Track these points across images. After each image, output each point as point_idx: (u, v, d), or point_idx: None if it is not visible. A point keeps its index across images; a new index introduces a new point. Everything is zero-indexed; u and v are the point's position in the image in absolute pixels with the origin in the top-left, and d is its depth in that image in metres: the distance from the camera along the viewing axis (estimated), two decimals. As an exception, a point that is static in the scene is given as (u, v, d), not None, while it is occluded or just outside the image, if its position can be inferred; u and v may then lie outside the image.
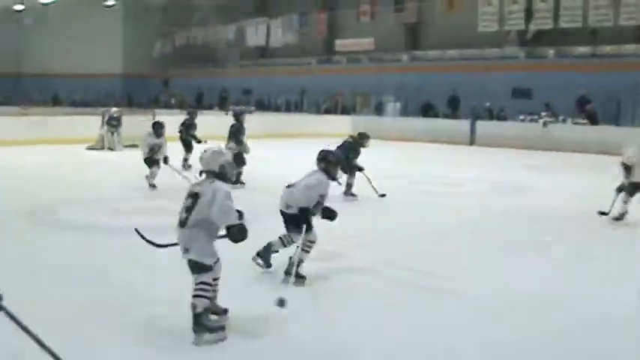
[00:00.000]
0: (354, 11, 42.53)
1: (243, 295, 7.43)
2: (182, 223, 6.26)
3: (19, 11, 51.90)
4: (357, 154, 14.58)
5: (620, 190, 12.40)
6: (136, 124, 26.09)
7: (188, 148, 19.72)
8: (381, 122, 35.51)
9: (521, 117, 31.33)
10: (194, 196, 6.28)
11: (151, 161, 15.38)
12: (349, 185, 14.46)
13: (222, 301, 6.63)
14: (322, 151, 8.50)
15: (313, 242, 7.95)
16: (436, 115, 34.89)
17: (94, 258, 9.13)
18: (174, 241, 6.37)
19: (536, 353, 6.29)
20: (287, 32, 46.85)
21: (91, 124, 26.34)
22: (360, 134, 15.17)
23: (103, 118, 26.04)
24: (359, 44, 42.92)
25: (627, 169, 12.38)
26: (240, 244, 6.29)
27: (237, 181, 15.17)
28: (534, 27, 34.37)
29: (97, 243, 10.17)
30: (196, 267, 6.19)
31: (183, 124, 20.22)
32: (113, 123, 25.53)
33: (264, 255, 8.14)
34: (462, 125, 32.16)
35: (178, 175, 14.44)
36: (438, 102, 35.50)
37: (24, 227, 11.22)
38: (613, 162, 13.13)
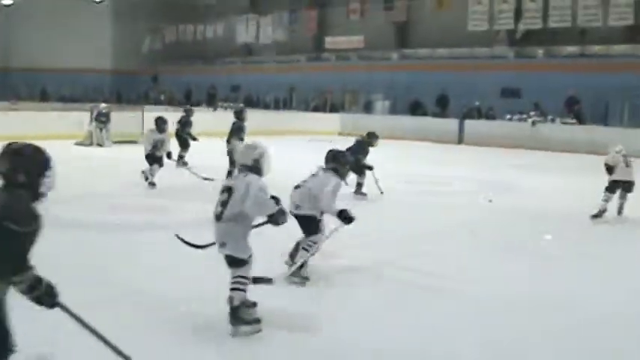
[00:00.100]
0: (344, 9, 42.50)
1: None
2: (217, 217, 6.33)
3: (8, 5, 51.72)
4: (365, 153, 14.51)
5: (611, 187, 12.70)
6: (125, 120, 26.09)
7: (184, 145, 19.45)
8: (369, 120, 35.35)
9: (508, 116, 31.44)
10: (228, 191, 6.35)
11: (152, 158, 15.11)
12: (359, 185, 14.41)
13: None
14: (331, 150, 8.45)
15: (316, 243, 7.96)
16: (425, 114, 34.92)
17: (92, 257, 9.01)
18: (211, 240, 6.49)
19: (536, 353, 6.29)
20: (277, 29, 46.78)
21: (79, 119, 26.16)
22: (368, 134, 15.09)
23: (92, 113, 25.86)
24: (348, 42, 42.87)
25: (609, 169, 12.72)
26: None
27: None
28: (524, 27, 34.44)
29: (92, 241, 10.10)
30: (233, 261, 6.28)
31: (179, 122, 20.09)
32: (102, 119, 25.38)
33: (298, 274, 7.87)
34: (451, 124, 32.19)
35: (180, 171, 14.36)
36: (426, 101, 35.56)
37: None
38: (601, 162, 13.22)
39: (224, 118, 25.13)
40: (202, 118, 24.74)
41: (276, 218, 6.37)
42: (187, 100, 45.78)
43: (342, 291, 7.82)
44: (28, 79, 50.36)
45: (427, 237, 11.04)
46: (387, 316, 7.00)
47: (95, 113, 25.71)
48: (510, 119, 31.19)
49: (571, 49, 33.01)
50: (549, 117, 30.07)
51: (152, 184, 15.00)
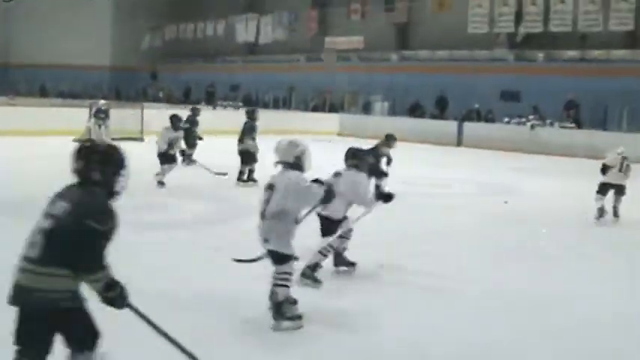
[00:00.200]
0: (345, 9, 42.34)
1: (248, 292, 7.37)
2: (262, 215, 6.52)
3: (8, 1, 51.59)
4: (378, 157, 14.41)
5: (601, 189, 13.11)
6: (124, 117, 26.04)
7: (191, 144, 19.39)
8: (368, 121, 35.47)
9: (506, 119, 31.42)
10: (270, 188, 6.55)
11: (166, 157, 14.99)
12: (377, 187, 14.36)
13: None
14: (351, 148, 8.61)
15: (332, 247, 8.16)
16: (424, 116, 34.89)
17: None
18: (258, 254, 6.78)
19: (535, 353, 6.35)
20: (277, 29, 46.64)
21: (78, 116, 26.05)
22: (386, 136, 15.06)
23: (91, 110, 25.77)
24: (348, 42, 42.69)
25: (604, 168, 13.05)
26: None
27: (250, 179, 15.55)
28: (524, 30, 34.37)
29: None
30: (277, 257, 6.43)
31: (187, 121, 20.10)
32: (101, 116, 25.24)
33: (311, 275, 7.91)
34: (450, 126, 32.20)
35: (184, 170, 14.32)
36: (426, 102, 35.54)
37: (11, 222, 10.98)
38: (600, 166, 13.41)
39: (223, 117, 25.17)
40: (202, 116, 24.70)
41: (326, 200, 6.69)
42: (186, 98, 45.88)
43: (341, 290, 7.82)
44: (28, 74, 50.23)
45: (427, 238, 11.09)
46: (387, 316, 6.99)
47: (94, 110, 25.61)
48: (508, 122, 31.20)
49: (571, 53, 32.95)
50: (548, 121, 30.03)
51: (161, 184, 14.89)
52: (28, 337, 4.16)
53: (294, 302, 6.59)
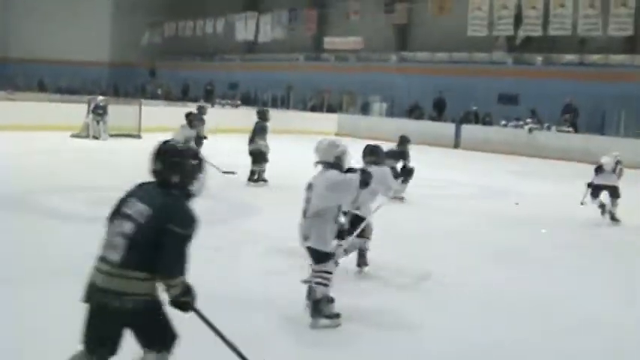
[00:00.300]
0: (344, 10, 42.32)
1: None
2: (304, 213, 6.69)
3: (7, -5, 51.69)
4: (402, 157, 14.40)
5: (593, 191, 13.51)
6: (122, 113, 26.02)
7: (198, 142, 19.48)
8: (366, 122, 35.50)
9: (504, 122, 31.47)
10: (310, 188, 6.70)
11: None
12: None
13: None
14: (369, 145, 8.76)
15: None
16: (422, 117, 34.90)
17: (92, 248, 9.00)
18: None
19: (536, 353, 6.41)
20: (276, 28, 46.61)
21: (76, 111, 26.03)
22: (401, 137, 15.16)
23: (89, 106, 25.78)
24: (347, 43, 42.70)
25: (598, 168, 13.52)
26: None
27: (260, 178, 15.64)
28: (523, 33, 34.36)
29: (91, 232, 9.99)
30: (316, 255, 6.53)
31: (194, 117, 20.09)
32: (99, 111, 25.28)
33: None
34: (448, 128, 32.23)
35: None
36: (424, 104, 35.51)
37: (10, 216, 11.01)
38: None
39: (222, 115, 25.11)
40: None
41: (364, 183, 6.56)
42: (184, 96, 45.83)
43: (341, 291, 7.79)
44: (26, 69, 50.02)
45: (426, 239, 11.12)
46: (387, 317, 7.02)
47: (92, 105, 25.63)
48: (505, 125, 31.25)
49: (570, 57, 33.01)
50: (546, 124, 30.06)
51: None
52: (97, 336, 4.20)
53: (332, 301, 6.65)
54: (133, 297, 4.09)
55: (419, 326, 6.85)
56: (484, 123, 32.50)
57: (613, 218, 13.47)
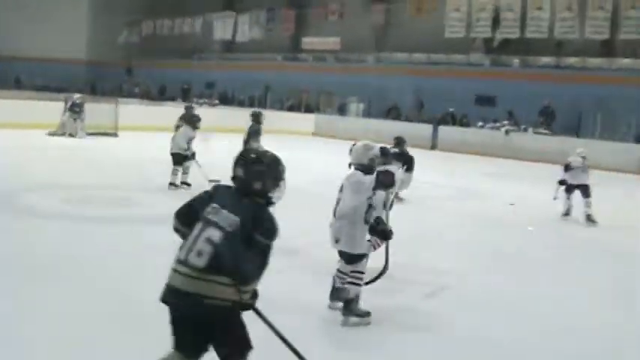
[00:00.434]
0: (323, 10, 42.33)
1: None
2: (334, 214, 6.83)
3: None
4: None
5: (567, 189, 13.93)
6: (99, 111, 25.81)
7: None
8: (344, 122, 35.45)
9: (480, 124, 31.49)
10: (341, 190, 6.86)
11: (184, 156, 14.63)
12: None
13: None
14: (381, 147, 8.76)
15: None
16: (399, 118, 34.87)
17: (67, 246, 8.97)
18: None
19: (535, 353, 6.43)
20: (254, 27, 46.51)
21: (53, 109, 25.68)
22: (396, 139, 15.24)
23: (66, 104, 25.43)
24: (325, 43, 42.68)
25: (566, 166, 13.89)
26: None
27: None
28: (500, 35, 34.45)
29: (67, 230, 10.01)
30: (348, 256, 6.67)
31: (181, 119, 20.04)
32: (76, 109, 25.00)
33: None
34: (425, 129, 32.14)
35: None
36: (401, 105, 35.52)
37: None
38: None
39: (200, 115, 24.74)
40: (176, 113, 24.52)
41: (387, 182, 6.66)
42: (162, 95, 45.67)
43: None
44: (3, 67, 49.51)
45: (421, 240, 10.97)
46: (383, 318, 6.90)
47: (69, 103, 25.34)
48: (482, 127, 31.27)
49: (546, 59, 33.04)
50: (522, 126, 30.11)
51: (176, 185, 14.54)
52: (183, 339, 4.26)
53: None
54: (214, 300, 4.13)
55: (417, 327, 6.87)
56: (461, 124, 32.46)
57: (589, 219, 13.52)
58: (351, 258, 6.63)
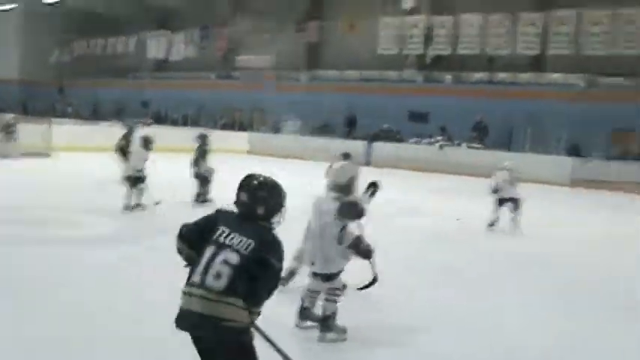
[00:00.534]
0: (256, 28, 41.97)
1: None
2: (306, 237, 7.12)
3: None
4: None
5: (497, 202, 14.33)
6: (31, 132, 25.18)
7: (125, 159, 19.07)
8: (278, 140, 35.15)
9: (413, 139, 31.38)
10: (314, 210, 6.93)
11: (140, 178, 14.43)
12: None
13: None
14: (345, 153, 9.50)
15: None
16: (333, 135, 34.63)
17: (17, 270, 8.79)
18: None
19: None
20: (188, 46, 45.97)
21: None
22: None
23: (-2, 124, 24.84)
24: (259, 61, 42.48)
25: (495, 190, 14.34)
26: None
27: (206, 199, 15.61)
28: (433, 52, 34.39)
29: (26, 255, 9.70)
30: (324, 276, 6.69)
31: (124, 137, 19.68)
32: (8, 130, 24.42)
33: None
34: (359, 146, 31.88)
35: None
36: (335, 122, 35.22)
37: None
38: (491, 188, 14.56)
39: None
40: (110, 133, 24.00)
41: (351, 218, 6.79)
42: (95, 115, 44.90)
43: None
44: None
45: (353, 259, 10.57)
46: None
47: (1, 124, 24.67)
48: (416, 142, 31.15)
49: (479, 75, 33.17)
50: (456, 141, 30.07)
51: (132, 207, 14.29)
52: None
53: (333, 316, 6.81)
54: (230, 322, 4.19)
55: (367, 342, 6.86)
56: (395, 140, 32.29)
57: (516, 226, 14.07)
58: (327, 277, 6.66)
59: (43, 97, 50.72)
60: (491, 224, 14.28)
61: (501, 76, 32.39)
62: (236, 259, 4.22)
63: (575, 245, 13.49)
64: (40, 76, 53.26)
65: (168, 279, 6.46)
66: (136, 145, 15.45)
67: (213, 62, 44.77)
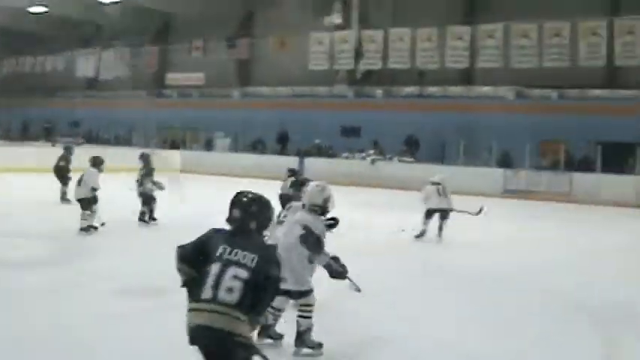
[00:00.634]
0: (187, 46, 41.54)
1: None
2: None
3: None
4: None
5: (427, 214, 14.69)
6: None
7: (65, 181, 18.91)
8: (210, 158, 34.74)
9: (345, 154, 31.22)
10: (283, 226, 7.35)
11: (95, 199, 14.18)
12: None
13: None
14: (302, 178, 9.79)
15: None
16: (265, 151, 34.32)
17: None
18: None
19: None
20: (118, 64, 45.15)
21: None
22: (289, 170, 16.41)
23: None
24: (190, 79, 42.06)
25: (425, 199, 14.82)
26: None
27: (151, 217, 15.84)
28: (363, 67, 34.28)
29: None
30: (296, 294, 6.79)
31: (62, 158, 19.73)
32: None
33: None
34: (291, 161, 31.55)
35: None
36: (267, 138, 34.88)
37: None
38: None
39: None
40: (40, 153, 23.41)
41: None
42: (24, 134, 43.93)
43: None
44: None
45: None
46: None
47: None
48: (348, 157, 30.99)
49: (409, 89, 33.13)
50: (388, 155, 29.94)
51: (95, 228, 14.11)
52: None
53: (280, 337, 7.03)
54: (239, 338, 4.40)
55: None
56: (327, 155, 32.06)
57: (439, 234, 14.59)
58: (299, 294, 6.76)
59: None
60: (420, 235, 14.56)
61: (432, 89, 32.44)
62: (245, 274, 4.42)
63: (505, 254, 13.74)
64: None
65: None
66: (87, 167, 14.91)
67: (144, 80, 44.13)
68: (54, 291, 8.97)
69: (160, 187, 15.68)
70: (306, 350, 6.79)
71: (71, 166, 19.33)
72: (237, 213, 4.72)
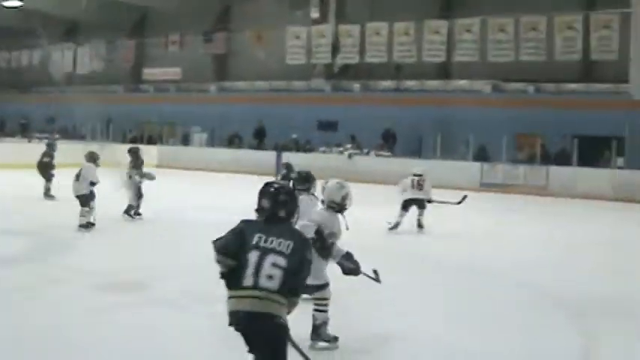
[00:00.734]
0: (163, 40, 41.12)
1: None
2: None
3: None
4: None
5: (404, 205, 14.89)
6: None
7: (49, 177, 19.10)
8: (187, 152, 34.61)
9: (323, 148, 31.16)
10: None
11: (93, 195, 14.18)
12: None
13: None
14: (304, 172, 9.94)
15: None
16: (242, 146, 34.20)
17: None
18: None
19: None
20: (94, 59, 44.67)
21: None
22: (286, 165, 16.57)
23: None
24: (166, 73, 41.73)
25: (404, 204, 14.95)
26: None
27: (136, 213, 15.80)
28: (340, 61, 34.16)
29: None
30: (313, 288, 6.67)
31: (45, 155, 19.63)
32: None
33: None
34: (268, 156, 31.45)
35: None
36: (244, 133, 34.67)
37: None
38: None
39: (40, 150, 23.40)
40: (16, 149, 23.14)
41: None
42: (0, 130, 43.54)
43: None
44: None
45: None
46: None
47: None
48: (325, 152, 30.90)
49: (386, 83, 33.06)
50: (365, 150, 29.87)
51: (93, 224, 14.03)
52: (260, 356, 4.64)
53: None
54: (280, 319, 4.62)
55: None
56: (305, 150, 31.94)
57: (420, 226, 14.88)
58: (315, 288, 6.74)
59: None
60: (394, 227, 14.72)
61: (409, 83, 32.39)
62: (283, 261, 4.60)
63: (482, 248, 13.82)
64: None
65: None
66: (83, 162, 14.87)
67: (121, 75, 43.82)
68: (38, 287, 8.92)
69: (151, 178, 15.71)
70: (322, 344, 6.87)
71: (55, 162, 19.26)
72: (266, 203, 4.90)
